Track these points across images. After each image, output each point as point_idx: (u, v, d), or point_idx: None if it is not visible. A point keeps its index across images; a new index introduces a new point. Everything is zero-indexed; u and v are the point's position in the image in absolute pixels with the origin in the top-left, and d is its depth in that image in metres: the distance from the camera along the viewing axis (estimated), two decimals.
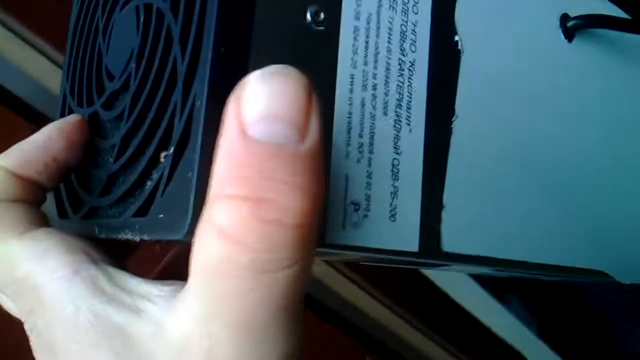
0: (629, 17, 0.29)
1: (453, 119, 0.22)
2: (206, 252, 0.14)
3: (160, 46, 0.18)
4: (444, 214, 0.21)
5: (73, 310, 0.17)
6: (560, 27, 0.26)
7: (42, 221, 0.21)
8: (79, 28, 0.25)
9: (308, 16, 0.18)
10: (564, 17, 0.26)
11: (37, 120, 0.50)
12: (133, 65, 0.20)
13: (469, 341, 0.78)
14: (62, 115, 0.25)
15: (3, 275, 0.19)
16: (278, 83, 0.14)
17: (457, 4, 0.22)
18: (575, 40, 0.27)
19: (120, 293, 0.17)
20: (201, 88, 0.16)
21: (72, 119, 0.22)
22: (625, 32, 0.27)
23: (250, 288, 0.14)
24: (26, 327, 0.18)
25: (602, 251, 0.27)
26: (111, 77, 0.22)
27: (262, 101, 0.14)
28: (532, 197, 0.24)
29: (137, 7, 0.20)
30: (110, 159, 0.20)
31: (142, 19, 0.20)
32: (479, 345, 0.79)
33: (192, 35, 0.17)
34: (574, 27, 0.26)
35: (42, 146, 0.21)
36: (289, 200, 0.14)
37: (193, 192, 0.16)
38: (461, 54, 0.22)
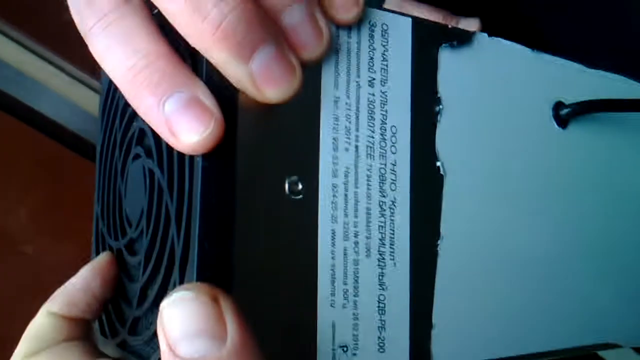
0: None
1: (438, 241, 0.23)
2: None
3: (162, 220, 0.21)
4: (433, 333, 0.23)
5: None
6: (553, 116, 0.27)
7: (96, 352, 0.24)
8: (104, 159, 0.28)
9: (286, 187, 0.20)
10: (558, 105, 0.27)
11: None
12: (144, 223, 0.23)
13: None
14: (97, 232, 0.29)
15: None
16: (185, 305, 0.16)
17: (437, 130, 0.23)
18: (570, 126, 0.27)
19: None
20: (191, 274, 0.19)
21: (102, 258, 0.25)
22: (622, 112, 0.28)
23: None
24: None
25: (603, 322, 0.28)
26: (130, 223, 0.24)
27: (177, 324, 0.16)
28: (525, 296, 0.25)
29: (144, 167, 0.23)
30: (134, 302, 0.23)
31: (147, 182, 0.22)
32: None
33: (184, 219, 0.19)
34: (567, 115, 0.27)
35: (81, 288, 0.25)
36: None
37: None
38: (444, 177, 0.23)
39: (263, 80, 0.19)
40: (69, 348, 0.24)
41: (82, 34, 0.19)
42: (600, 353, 0.72)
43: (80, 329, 0.25)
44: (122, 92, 0.19)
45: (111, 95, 0.27)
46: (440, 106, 0.23)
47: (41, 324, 0.24)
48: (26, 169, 0.53)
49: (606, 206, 0.28)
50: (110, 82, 0.27)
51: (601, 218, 0.28)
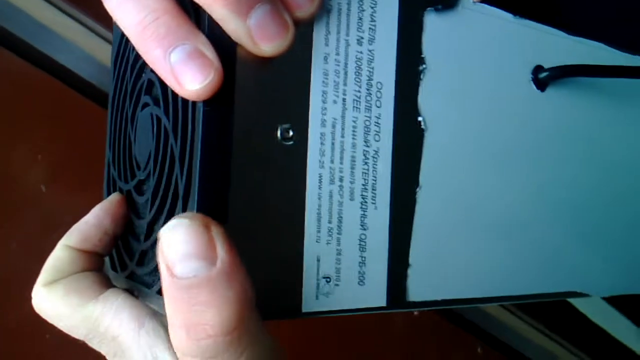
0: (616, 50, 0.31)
1: (417, 190, 0.25)
2: None
3: (167, 161, 0.23)
4: (409, 271, 0.25)
5: (142, 356, 0.23)
6: (532, 79, 0.29)
7: (107, 283, 0.27)
8: (115, 107, 0.30)
9: (278, 134, 0.22)
10: (537, 69, 0.29)
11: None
12: (151, 165, 0.25)
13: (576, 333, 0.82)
14: (108, 176, 0.31)
15: (88, 330, 0.25)
16: (180, 230, 0.19)
17: (420, 88, 0.25)
18: (549, 89, 0.29)
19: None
20: (192, 208, 0.21)
21: (113, 198, 0.28)
22: (599, 77, 0.30)
23: None
24: None
25: (571, 273, 0.30)
26: (138, 166, 0.27)
27: (173, 247, 0.19)
28: (498, 243, 0.28)
29: (152, 115, 0.25)
30: (142, 237, 0.26)
31: (155, 128, 0.25)
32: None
33: (186, 159, 0.22)
34: (545, 78, 0.29)
35: (94, 224, 0.27)
36: (211, 317, 0.19)
37: None
38: (425, 132, 0.26)
39: (259, 35, 0.21)
40: (83, 278, 0.26)
41: None
42: (571, 300, 0.75)
43: (94, 262, 0.27)
44: (133, 44, 0.21)
45: (122, 47, 0.29)
46: (424, 66, 0.25)
47: (58, 256, 0.27)
48: (42, 113, 0.56)
49: (583, 165, 0.30)
50: (122, 35, 0.29)
51: (578, 176, 0.30)
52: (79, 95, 0.56)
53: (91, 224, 0.27)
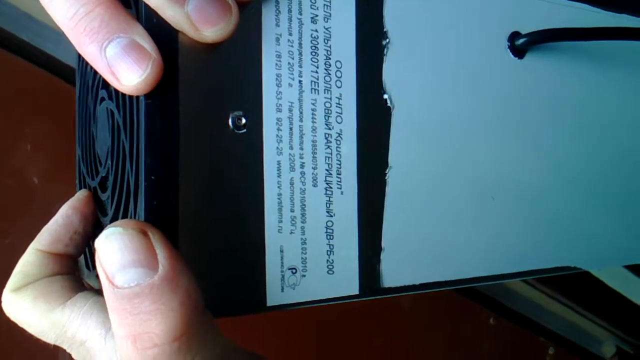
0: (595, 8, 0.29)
1: (387, 171, 0.24)
2: None
3: (121, 157, 0.23)
4: (383, 256, 0.24)
5: None
6: (508, 46, 0.27)
7: (77, 286, 0.26)
8: (80, 103, 0.30)
9: (230, 123, 0.21)
10: (513, 36, 0.27)
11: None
12: (109, 162, 0.24)
13: None
14: (79, 173, 0.30)
15: (58, 336, 0.25)
16: (115, 239, 0.18)
17: (384, 64, 0.24)
18: (528, 56, 0.28)
19: None
20: (140, 204, 0.20)
21: (80, 195, 0.27)
22: (579, 41, 0.28)
23: None
24: None
25: (560, 248, 0.29)
26: (100, 163, 0.26)
27: (111, 257, 0.18)
28: (474, 222, 0.27)
29: (107, 109, 0.25)
30: None
31: (110, 122, 0.24)
32: None
33: (134, 154, 0.21)
34: (523, 45, 0.27)
35: (63, 224, 0.27)
36: (156, 325, 0.18)
37: None
38: (392, 110, 0.24)
39: (199, 21, 0.20)
40: (51, 282, 0.26)
41: None
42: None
43: (65, 265, 0.27)
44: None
45: None
46: (387, 40, 0.24)
47: (27, 261, 0.26)
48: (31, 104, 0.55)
49: (570, 132, 0.29)
50: None
51: (567, 144, 0.29)
52: (69, 86, 0.56)
53: (60, 224, 0.27)
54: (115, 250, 0.18)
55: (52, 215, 0.28)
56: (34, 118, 0.56)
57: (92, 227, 0.27)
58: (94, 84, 0.27)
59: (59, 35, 0.57)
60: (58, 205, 0.27)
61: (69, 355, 0.25)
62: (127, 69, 0.19)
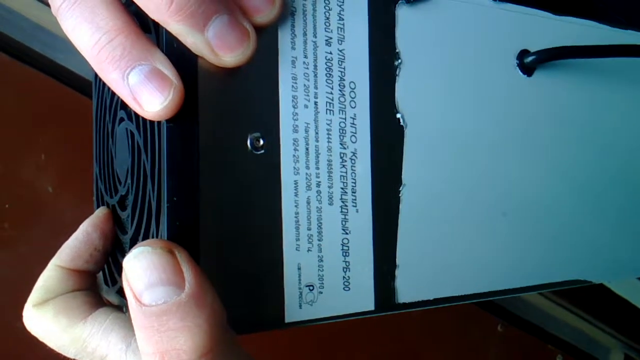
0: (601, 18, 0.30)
1: (401, 189, 0.25)
2: None
3: (142, 177, 0.23)
4: (397, 272, 0.25)
5: None
6: (517, 64, 0.28)
7: (97, 302, 0.27)
8: (98, 121, 0.30)
9: (248, 144, 0.22)
10: (522, 54, 0.28)
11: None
12: (129, 181, 0.25)
13: None
14: (97, 190, 0.31)
15: (78, 351, 0.25)
16: (143, 258, 0.19)
17: (396, 84, 0.25)
18: (537, 74, 0.28)
19: None
20: (163, 224, 0.21)
21: (100, 213, 0.28)
22: (588, 58, 0.28)
23: None
24: None
25: (571, 261, 0.29)
26: (120, 181, 0.27)
27: (139, 276, 0.19)
28: (488, 238, 0.27)
29: (127, 130, 0.25)
30: (127, 252, 0.26)
31: (130, 143, 0.25)
32: None
33: (156, 175, 0.22)
34: (531, 63, 0.28)
35: (83, 240, 0.27)
36: (184, 342, 0.19)
37: None
38: (405, 129, 0.25)
39: (219, 47, 0.21)
40: (72, 298, 0.26)
41: (54, 13, 0.21)
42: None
43: (84, 281, 0.27)
44: (92, 68, 0.21)
45: None
46: (399, 61, 0.25)
47: (49, 276, 0.27)
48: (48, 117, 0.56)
49: (578, 149, 0.29)
50: None
51: (575, 160, 0.29)
52: (82, 96, 0.57)
53: (80, 240, 0.27)
54: (143, 268, 0.19)
55: (66, 224, 0.28)
56: (47, 128, 0.57)
57: (112, 245, 0.28)
58: (112, 104, 0.27)
59: (70, 46, 0.58)
60: (71, 214, 0.28)
61: None
62: (149, 96, 0.20)
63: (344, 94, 0.24)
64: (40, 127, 0.57)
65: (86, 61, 0.21)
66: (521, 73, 0.28)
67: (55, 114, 0.58)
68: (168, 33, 0.21)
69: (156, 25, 0.21)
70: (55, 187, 0.57)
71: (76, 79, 0.59)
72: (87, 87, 0.57)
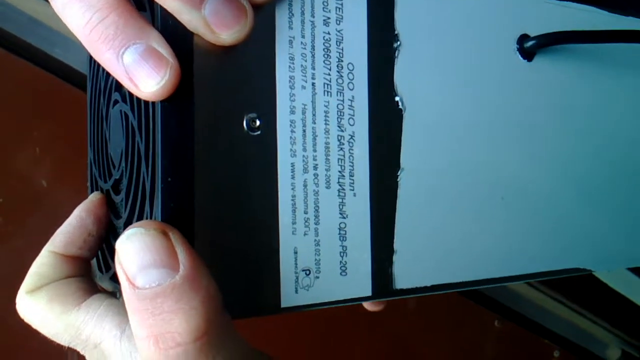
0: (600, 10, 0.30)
1: (399, 173, 0.25)
2: None
3: (136, 160, 0.23)
4: (395, 258, 0.24)
5: None
6: (517, 49, 0.27)
7: (92, 289, 0.27)
8: (92, 106, 0.30)
9: (245, 125, 0.22)
10: (522, 38, 0.28)
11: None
12: (123, 164, 0.24)
13: None
14: (91, 175, 0.31)
15: (72, 337, 0.25)
16: (136, 239, 0.18)
17: (395, 66, 0.24)
18: (537, 58, 0.28)
19: None
20: (157, 206, 0.21)
21: (94, 197, 0.27)
22: (589, 43, 0.28)
23: None
24: None
25: (571, 249, 0.29)
26: (114, 165, 0.26)
27: (132, 258, 0.18)
28: (490, 219, 0.27)
29: (121, 112, 0.25)
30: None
31: (124, 125, 0.24)
32: None
33: (150, 156, 0.21)
34: (531, 47, 0.27)
35: (77, 226, 0.27)
36: (179, 325, 0.18)
37: None
38: (404, 111, 0.25)
39: (216, 24, 0.20)
40: (66, 284, 0.26)
41: None
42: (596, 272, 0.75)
43: (78, 267, 0.27)
44: (85, 47, 0.20)
45: None
46: (398, 43, 0.24)
47: (42, 262, 0.26)
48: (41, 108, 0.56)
49: (579, 134, 0.29)
50: None
51: (575, 146, 0.29)
52: (78, 90, 0.56)
53: (74, 226, 0.27)
54: (136, 250, 0.18)
55: (61, 217, 0.28)
56: (42, 121, 0.56)
57: (105, 230, 0.28)
58: (107, 86, 0.27)
59: (67, 40, 0.57)
60: (66, 208, 0.27)
61: (81, 356, 0.25)
62: (145, 76, 0.19)
63: (342, 76, 0.23)
64: (35, 121, 0.57)
65: (80, 43, 0.21)
66: (521, 58, 0.28)
67: (51, 107, 0.57)
68: (163, 10, 0.20)
69: (151, 2, 0.21)
70: (50, 181, 0.56)
71: (72, 72, 0.58)
72: (82, 81, 0.57)
